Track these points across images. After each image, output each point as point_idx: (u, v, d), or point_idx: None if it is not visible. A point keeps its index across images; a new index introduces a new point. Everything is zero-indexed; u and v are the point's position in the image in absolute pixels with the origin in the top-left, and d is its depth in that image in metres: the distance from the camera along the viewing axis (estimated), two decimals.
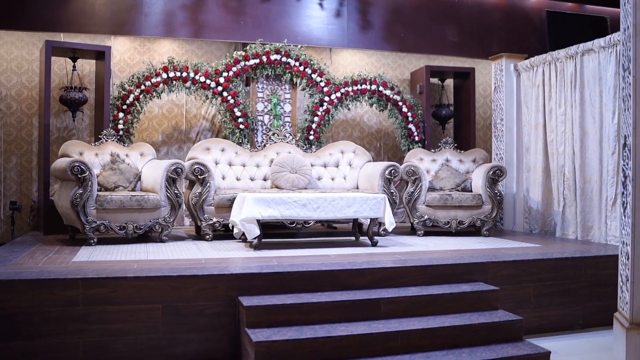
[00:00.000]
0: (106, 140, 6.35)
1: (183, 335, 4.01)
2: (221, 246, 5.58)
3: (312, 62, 7.46)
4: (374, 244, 5.67)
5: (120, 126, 6.83)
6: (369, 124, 8.53)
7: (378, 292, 4.22)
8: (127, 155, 6.30)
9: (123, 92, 6.88)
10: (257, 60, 7.25)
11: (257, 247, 5.36)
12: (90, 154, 6.15)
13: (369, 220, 5.75)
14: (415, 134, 7.84)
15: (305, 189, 6.69)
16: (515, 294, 4.72)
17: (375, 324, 3.91)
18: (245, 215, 5.21)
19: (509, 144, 7.63)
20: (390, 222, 5.60)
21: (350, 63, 8.40)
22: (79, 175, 5.47)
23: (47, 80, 6.50)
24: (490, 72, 8.05)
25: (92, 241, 5.51)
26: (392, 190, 6.61)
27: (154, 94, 6.99)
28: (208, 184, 6.05)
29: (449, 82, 8.64)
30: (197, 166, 6.03)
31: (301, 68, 7.40)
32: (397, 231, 7.09)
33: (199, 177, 6.03)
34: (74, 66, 7.05)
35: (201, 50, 7.87)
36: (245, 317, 3.85)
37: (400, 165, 6.72)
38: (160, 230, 5.83)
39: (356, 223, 6.13)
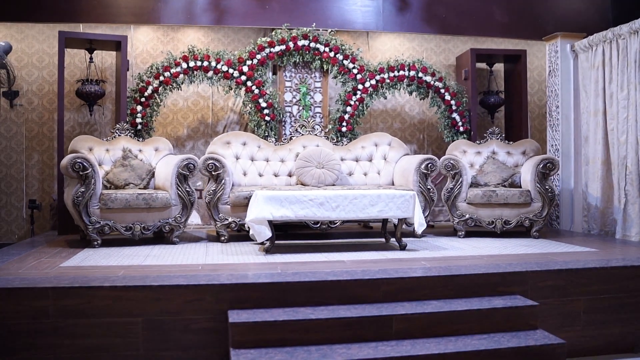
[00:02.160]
0: (119, 135, 5.99)
1: (166, 353, 3.54)
2: (233, 249, 5.09)
3: (343, 47, 6.85)
4: (402, 248, 5.03)
5: (139, 120, 6.47)
6: (411, 114, 7.84)
7: (391, 307, 3.60)
8: (140, 150, 5.92)
9: (141, 84, 6.51)
10: (283, 47, 6.71)
11: (269, 251, 4.84)
12: (101, 150, 5.80)
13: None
14: (460, 124, 7.09)
15: (333, 185, 6.11)
16: (560, 310, 3.99)
17: (384, 347, 3.31)
18: (255, 215, 4.69)
19: (566, 134, 6.78)
20: (420, 223, 4.94)
21: (390, 48, 7.72)
22: (81, 173, 5.12)
23: (60, 73, 6.21)
24: (545, 55, 7.19)
25: (95, 243, 5.15)
26: (428, 187, 5.93)
27: (174, 85, 6.59)
28: (223, 181, 5.58)
29: (499, 67, 7.82)
30: (210, 161, 5.57)
31: (332, 54, 6.81)
32: (438, 232, 6.42)
33: (213, 173, 5.57)
34: (91, 58, 6.74)
35: (227, 38, 7.41)
36: (230, 335, 3.34)
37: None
38: (170, 231, 5.42)
39: (385, 223, 5.51)
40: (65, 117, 6.98)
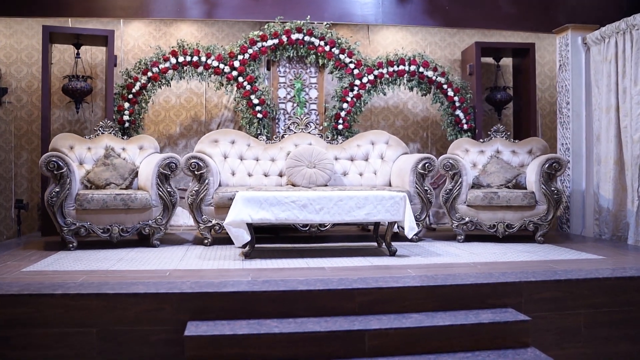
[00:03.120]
0: (102, 133, 5.75)
1: None
2: (213, 253, 4.81)
3: (339, 41, 6.53)
4: (392, 253, 4.70)
5: (126, 117, 6.23)
6: (414, 111, 7.49)
7: (366, 320, 3.28)
8: (123, 149, 5.67)
9: (129, 80, 6.27)
10: (276, 41, 6.41)
11: (248, 256, 4.55)
12: (82, 148, 5.56)
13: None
14: (464, 121, 6.72)
15: (326, 186, 5.80)
16: (558, 324, 3.62)
17: None
18: (232, 218, 4.40)
19: (577, 132, 6.37)
20: (410, 227, 4.60)
21: (392, 42, 7.38)
22: (55, 172, 4.90)
23: (44, 68, 6.01)
24: (556, 48, 6.78)
25: (70, 245, 4.91)
26: (426, 188, 5.59)
27: (163, 81, 6.34)
28: (207, 181, 5.30)
29: (507, 62, 7.42)
30: (193, 160, 5.29)
31: (327, 48, 6.49)
32: (438, 235, 6.07)
33: (196, 172, 5.29)
34: (78, 53, 6.52)
35: (222, 32, 7.14)
36: (185, 350, 3.05)
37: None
38: (151, 233, 5.16)
39: (377, 227, 5.18)
40: (55, 115, 6.79)
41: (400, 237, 5.38)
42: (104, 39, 6.30)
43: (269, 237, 5.84)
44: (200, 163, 5.29)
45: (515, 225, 5.41)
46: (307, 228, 5.33)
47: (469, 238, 5.65)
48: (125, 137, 5.87)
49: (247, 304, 3.35)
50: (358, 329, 3.15)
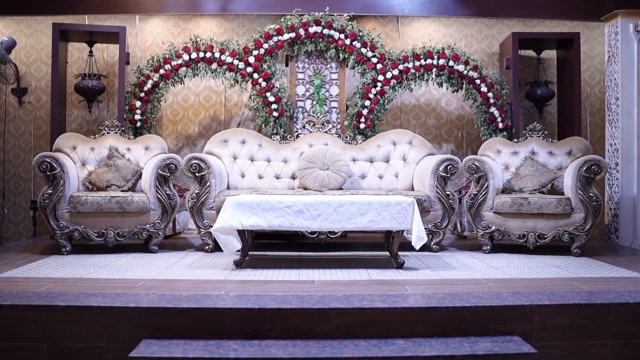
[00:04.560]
0: (108, 132, 5.54)
1: None
2: (208, 262, 4.48)
3: (361, 33, 6.08)
4: (399, 266, 4.22)
5: (138, 117, 6.02)
6: (448, 109, 6.93)
7: (341, 346, 2.84)
8: (128, 149, 5.43)
9: (141, 77, 6.06)
10: (293, 34, 6.04)
11: (240, 265, 4.19)
12: (85, 148, 5.37)
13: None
14: (499, 119, 6.13)
15: (340, 189, 5.37)
16: (576, 358, 3.06)
17: None
18: (221, 223, 4.05)
19: (627, 131, 5.68)
20: (418, 237, 4.10)
21: (423, 35, 6.86)
22: (48, 173, 4.70)
23: (54, 67, 5.90)
24: (604, 38, 6.08)
25: (63, 250, 4.71)
26: (448, 192, 5.07)
27: (176, 78, 6.08)
28: (208, 183, 4.98)
29: (551, 55, 6.75)
30: (194, 162, 4.99)
31: (347, 41, 6.05)
32: (466, 245, 5.54)
33: (197, 174, 4.98)
34: (91, 51, 6.36)
35: (242, 27, 6.83)
36: None
37: None
38: (148, 238, 4.89)
39: (390, 235, 4.70)
40: (73, 115, 6.69)
41: (422, 246, 4.93)
42: (117, 36, 6.10)
43: (283, 244, 5.48)
44: (201, 164, 4.97)
45: (547, 236, 4.80)
46: (315, 235, 4.92)
47: (497, 248, 5.10)
48: (132, 137, 5.64)
49: (209, 321, 2.99)
50: (327, 357, 2.72)
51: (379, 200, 4.11)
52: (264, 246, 5.35)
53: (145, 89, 6.02)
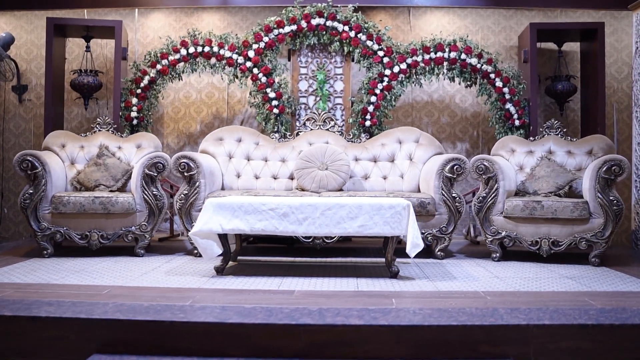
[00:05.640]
0: (99, 130, 5.32)
1: None
2: (190, 268, 4.20)
3: (366, 25, 5.73)
4: (393, 275, 3.86)
5: (134, 114, 5.79)
6: (463, 105, 6.53)
7: None
8: (119, 147, 5.21)
9: (138, 73, 5.83)
10: (295, 27, 5.73)
11: (221, 272, 3.90)
12: (74, 147, 5.16)
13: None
14: (515, 116, 5.71)
15: (340, 191, 5.04)
16: None
17: None
18: (199, 227, 3.77)
19: None
20: (413, 244, 3.74)
21: (437, 28, 6.46)
22: (29, 172, 4.50)
23: (48, 63, 5.72)
24: (632, 28, 5.60)
25: (45, 252, 4.50)
26: (454, 194, 4.70)
27: (173, 74, 5.84)
28: (197, 184, 4.71)
29: (574, 47, 6.28)
30: (183, 161, 4.71)
31: (352, 34, 5.71)
32: (475, 251, 5.15)
33: (186, 174, 4.71)
34: (87, 46, 6.16)
35: (246, 21, 6.55)
36: None
37: None
38: (134, 240, 4.65)
39: (387, 240, 4.35)
40: (73, 112, 6.52)
41: (425, 252, 4.57)
42: (114, 31, 5.89)
43: (281, 248, 5.19)
44: (190, 163, 4.70)
45: (562, 243, 4.39)
46: (310, 240, 4.61)
47: (509, 255, 4.71)
48: (124, 135, 5.41)
49: (164, 337, 2.70)
50: None
51: (371, 203, 3.77)
52: (262, 250, 5.06)
53: (142, 85, 5.79)
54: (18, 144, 6.56)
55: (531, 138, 5.21)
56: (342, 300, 3.16)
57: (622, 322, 2.75)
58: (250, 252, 4.90)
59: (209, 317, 2.76)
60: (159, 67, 5.78)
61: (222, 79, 6.14)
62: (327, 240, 4.57)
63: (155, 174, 4.67)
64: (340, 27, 5.69)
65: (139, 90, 5.79)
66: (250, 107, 6.01)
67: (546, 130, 5.12)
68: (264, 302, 3.10)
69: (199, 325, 2.71)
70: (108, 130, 5.31)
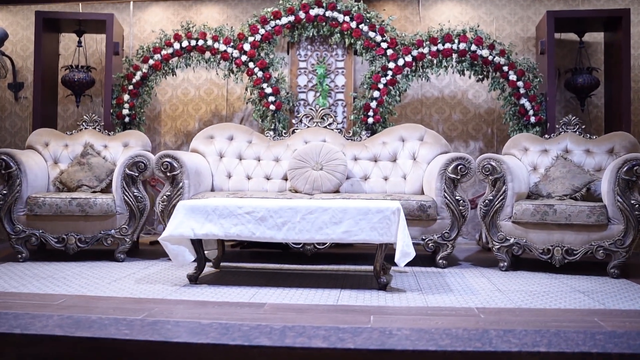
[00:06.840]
0: (86, 128, 5.08)
1: None
2: (166, 275, 3.90)
3: (368, 15, 5.37)
4: (382, 286, 3.49)
5: (126, 111, 5.54)
6: (476, 101, 6.10)
7: None
8: (105, 146, 4.96)
9: (130, 69, 5.58)
10: (292, 18, 5.39)
11: (195, 280, 3.59)
12: (58, 145, 4.93)
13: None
14: (531, 112, 5.27)
15: (336, 192, 4.69)
16: None
17: None
18: (170, 231, 3.47)
19: None
20: (403, 253, 3.36)
21: (448, 18, 6.05)
22: (3, 172, 4.26)
23: (36, 58, 5.51)
24: None
25: (19, 256, 4.26)
26: (457, 197, 4.31)
27: (166, 69, 5.57)
28: (180, 184, 4.41)
29: (597, 38, 5.80)
30: (166, 160, 4.42)
31: (353, 25, 5.35)
32: (483, 259, 4.74)
33: (169, 174, 4.42)
34: (79, 41, 5.93)
35: (246, 14, 6.25)
36: None
37: None
38: (114, 244, 4.37)
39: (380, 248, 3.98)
40: (69, 110, 6.32)
41: (427, 260, 4.21)
42: (105, 25, 5.65)
43: (277, 253, 4.88)
44: (173, 163, 4.41)
45: (577, 251, 3.95)
46: (300, 246, 4.28)
47: (519, 264, 4.30)
48: (112, 133, 5.15)
49: (103, 356, 2.39)
50: None
51: (357, 206, 3.41)
52: (255, 256, 4.75)
53: (134, 81, 5.54)
54: (14, 143, 6.37)
55: (546, 136, 4.77)
56: (314, 316, 2.81)
57: (633, 352, 2.33)
58: (238, 259, 4.59)
59: (155, 335, 2.44)
60: (151, 62, 5.51)
61: (217, 74, 5.85)
62: (318, 247, 4.24)
63: (137, 174, 4.39)
64: (340, 17, 5.34)
65: (130, 87, 5.54)
66: (246, 102, 5.70)
67: (563, 127, 4.69)
68: (225, 317, 2.77)
69: (142, 344, 2.39)
70: (95, 128, 5.06)
